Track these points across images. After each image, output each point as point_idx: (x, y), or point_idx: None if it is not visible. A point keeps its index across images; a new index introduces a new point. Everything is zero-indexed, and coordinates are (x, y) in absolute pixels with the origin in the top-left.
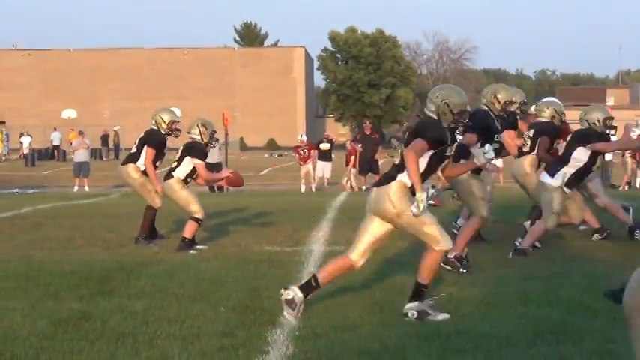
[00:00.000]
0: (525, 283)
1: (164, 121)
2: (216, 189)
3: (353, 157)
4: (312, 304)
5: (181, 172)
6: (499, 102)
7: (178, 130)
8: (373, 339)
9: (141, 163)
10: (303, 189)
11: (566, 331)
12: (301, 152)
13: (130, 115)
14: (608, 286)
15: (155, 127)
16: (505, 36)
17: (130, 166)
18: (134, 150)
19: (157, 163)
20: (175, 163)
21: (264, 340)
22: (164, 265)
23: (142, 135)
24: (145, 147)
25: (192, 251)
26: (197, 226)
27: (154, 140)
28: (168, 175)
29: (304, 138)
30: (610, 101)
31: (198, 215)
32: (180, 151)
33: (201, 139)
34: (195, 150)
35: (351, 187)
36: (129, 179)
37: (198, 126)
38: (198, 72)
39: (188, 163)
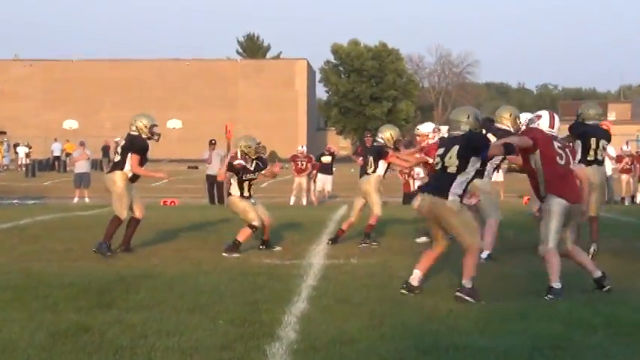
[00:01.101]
0: (524, 298)
1: (145, 126)
2: (216, 201)
3: (314, 172)
4: (311, 317)
5: (235, 189)
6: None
7: (158, 133)
8: (372, 353)
9: (127, 169)
10: (292, 201)
11: (564, 347)
12: (299, 163)
13: None
14: (608, 302)
15: (136, 133)
16: (507, 50)
17: (117, 173)
18: (118, 158)
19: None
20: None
21: (263, 353)
22: (163, 278)
23: (123, 142)
24: (130, 154)
25: (236, 255)
26: (251, 233)
27: (137, 146)
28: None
29: (304, 149)
30: (612, 116)
31: (255, 223)
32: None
33: (249, 155)
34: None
35: (310, 201)
36: (114, 186)
37: (240, 147)
38: (201, 83)
39: (235, 179)
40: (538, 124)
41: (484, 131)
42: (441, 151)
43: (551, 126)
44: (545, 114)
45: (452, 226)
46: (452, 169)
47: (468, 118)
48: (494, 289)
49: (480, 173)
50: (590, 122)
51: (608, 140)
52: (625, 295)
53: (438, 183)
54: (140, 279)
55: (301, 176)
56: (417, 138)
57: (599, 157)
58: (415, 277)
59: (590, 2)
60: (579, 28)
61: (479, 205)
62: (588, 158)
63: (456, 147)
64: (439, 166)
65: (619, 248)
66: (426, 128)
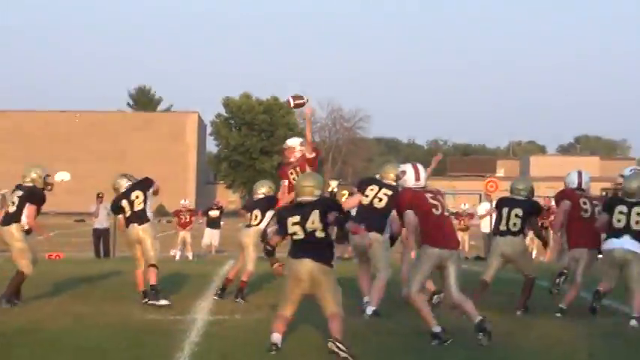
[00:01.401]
0: (409, 356)
1: (40, 176)
2: (102, 254)
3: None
4: None
5: (149, 215)
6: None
7: (51, 183)
8: None
9: (24, 221)
10: (178, 256)
11: None
12: (182, 217)
13: (18, 178)
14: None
15: (30, 184)
16: (398, 105)
17: (14, 225)
18: (14, 209)
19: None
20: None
21: None
22: (45, 333)
23: (20, 193)
24: (27, 204)
25: (164, 302)
26: (157, 271)
27: (37, 196)
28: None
29: (187, 202)
30: (500, 172)
31: (155, 262)
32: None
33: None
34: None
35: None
36: (12, 240)
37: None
38: (90, 135)
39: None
40: (406, 180)
41: (376, 187)
42: (296, 218)
43: (417, 179)
44: (408, 168)
45: (325, 291)
46: (320, 234)
47: (316, 182)
48: (380, 346)
49: (381, 230)
50: (512, 195)
51: (528, 209)
52: (509, 352)
53: (319, 248)
54: (21, 334)
55: (185, 230)
56: (285, 152)
57: (512, 228)
58: (278, 339)
59: (481, 59)
60: (469, 84)
61: (372, 258)
62: (500, 228)
63: (316, 211)
64: (302, 235)
65: (504, 304)
66: (293, 142)
